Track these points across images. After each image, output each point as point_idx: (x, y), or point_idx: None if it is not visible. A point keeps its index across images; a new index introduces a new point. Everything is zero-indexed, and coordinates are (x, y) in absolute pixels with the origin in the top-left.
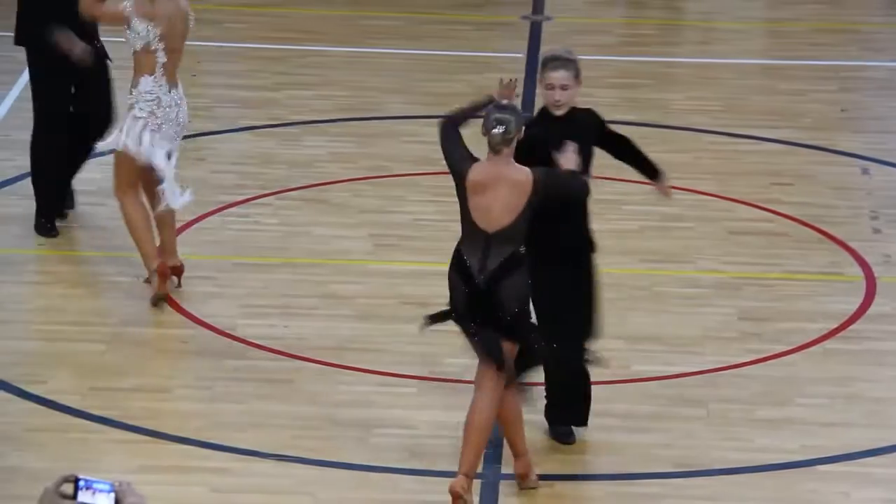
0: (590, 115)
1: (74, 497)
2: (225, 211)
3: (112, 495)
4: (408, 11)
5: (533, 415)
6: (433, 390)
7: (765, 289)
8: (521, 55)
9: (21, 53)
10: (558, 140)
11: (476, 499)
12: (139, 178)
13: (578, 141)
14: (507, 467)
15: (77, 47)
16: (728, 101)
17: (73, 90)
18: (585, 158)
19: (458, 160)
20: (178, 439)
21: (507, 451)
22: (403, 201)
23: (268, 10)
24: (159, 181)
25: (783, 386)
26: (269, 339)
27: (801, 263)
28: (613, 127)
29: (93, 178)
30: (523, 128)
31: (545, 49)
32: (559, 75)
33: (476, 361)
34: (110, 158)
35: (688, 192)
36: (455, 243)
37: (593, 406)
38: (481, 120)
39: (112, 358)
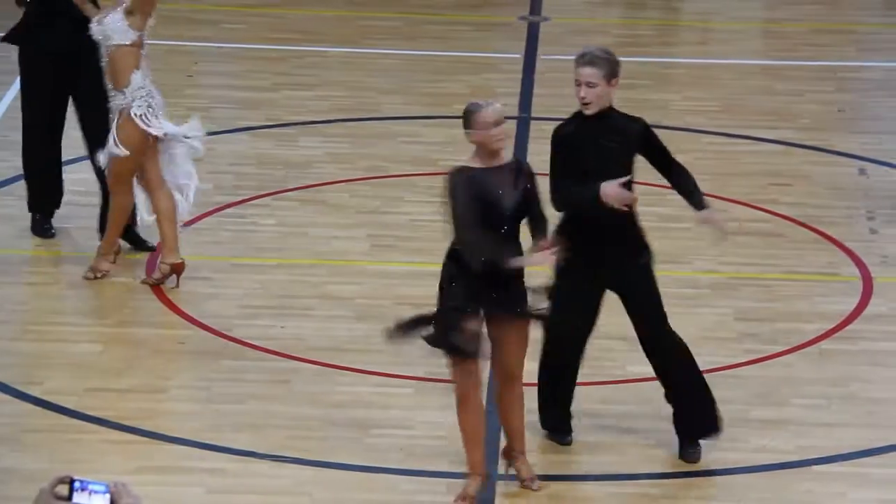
0: (634, 121)
1: (69, 498)
2: (222, 211)
3: (107, 496)
4: (405, 12)
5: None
6: (430, 391)
7: (762, 289)
8: (519, 56)
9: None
10: (589, 141)
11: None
12: (134, 175)
13: (611, 144)
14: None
15: None
16: (726, 101)
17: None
18: (621, 165)
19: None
20: (175, 440)
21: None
22: (401, 202)
23: (265, 10)
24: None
25: (780, 386)
26: (265, 339)
27: (798, 264)
28: (670, 153)
29: (88, 179)
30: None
31: (578, 50)
32: (585, 72)
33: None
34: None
35: None
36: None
37: (589, 406)
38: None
39: (108, 358)
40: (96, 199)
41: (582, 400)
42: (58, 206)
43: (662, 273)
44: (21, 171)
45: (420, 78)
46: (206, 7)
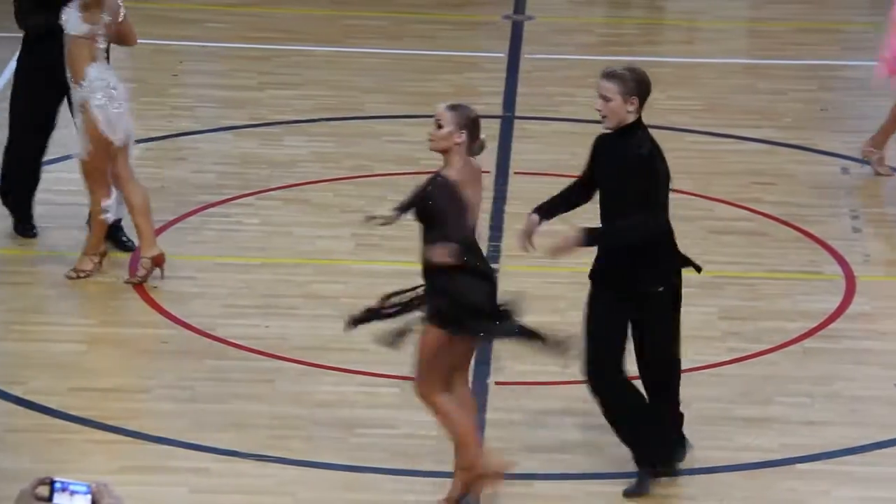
0: (639, 149)
1: (50, 499)
2: (206, 211)
3: (88, 497)
4: (389, 11)
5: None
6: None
7: (745, 288)
8: (503, 55)
9: (4, 52)
10: (601, 154)
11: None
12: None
13: (612, 165)
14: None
15: None
16: (709, 100)
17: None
18: (614, 189)
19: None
20: (158, 440)
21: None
22: (385, 201)
23: (249, 9)
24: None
25: (763, 385)
26: (250, 339)
27: (781, 262)
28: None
29: (69, 178)
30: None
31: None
32: (603, 84)
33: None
34: None
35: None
36: None
37: (571, 406)
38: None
39: (92, 358)
40: (79, 199)
41: (563, 399)
42: (31, 193)
43: None
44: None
45: (404, 77)
46: (191, 6)
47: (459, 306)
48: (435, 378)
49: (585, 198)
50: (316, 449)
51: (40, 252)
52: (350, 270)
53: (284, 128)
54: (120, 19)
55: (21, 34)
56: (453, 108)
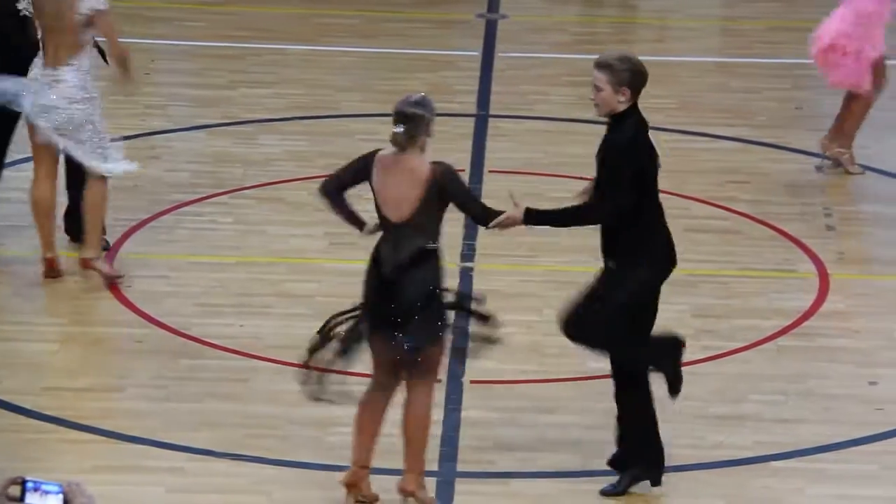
0: (618, 136)
1: (22, 499)
2: (179, 209)
3: (60, 496)
4: (363, 9)
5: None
6: None
7: (719, 286)
8: (477, 53)
9: None
10: (599, 145)
11: (432, 496)
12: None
13: (597, 154)
14: (463, 465)
15: None
16: (683, 99)
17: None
18: (598, 176)
19: (354, 170)
20: (132, 439)
21: (463, 449)
22: (359, 199)
23: (223, 8)
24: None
25: (737, 383)
26: (224, 338)
27: (755, 261)
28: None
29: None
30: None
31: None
32: (594, 73)
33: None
34: None
35: None
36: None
37: (547, 404)
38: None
39: (64, 358)
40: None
41: (539, 398)
42: None
43: None
44: None
45: (378, 76)
46: (163, 5)
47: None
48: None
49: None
50: (291, 448)
51: (11, 252)
52: (323, 269)
53: (258, 126)
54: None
55: None
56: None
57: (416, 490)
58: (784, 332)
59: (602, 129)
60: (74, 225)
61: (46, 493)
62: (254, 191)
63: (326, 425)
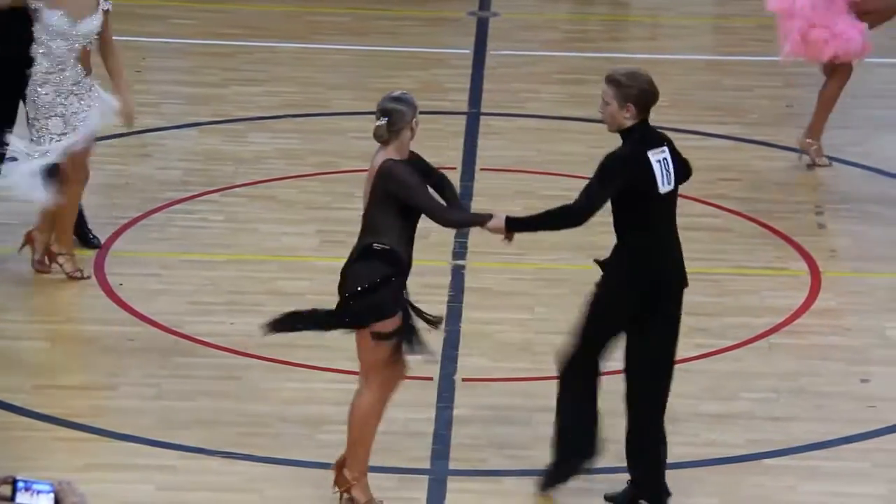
0: (615, 152)
1: (12, 499)
2: (171, 207)
3: (52, 495)
4: (355, 7)
5: (486, 410)
6: None
7: (711, 284)
8: (469, 51)
9: None
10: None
11: (423, 494)
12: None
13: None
14: (455, 463)
15: None
16: (674, 96)
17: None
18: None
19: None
20: (124, 437)
21: (455, 447)
22: (351, 198)
23: (214, 6)
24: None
25: (729, 380)
26: (216, 335)
27: (746, 258)
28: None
29: None
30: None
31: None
32: (603, 87)
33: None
34: None
35: None
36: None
37: (538, 402)
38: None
39: (56, 355)
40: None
41: (531, 395)
42: None
43: None
44: None
45: (370, 73)
46: (154, 2)
47: None
48: None
49: None
50: (283, 446)
51: (4, 249)
52: (315, 267)
53: (249, 124)
54: None
55: None
56: None
57: (352, 488)
58: (776, 329)
59: (594, 127)
60: (76, 224)
61: (37, 492)
62: (245, 189)
63: (318, 424)
